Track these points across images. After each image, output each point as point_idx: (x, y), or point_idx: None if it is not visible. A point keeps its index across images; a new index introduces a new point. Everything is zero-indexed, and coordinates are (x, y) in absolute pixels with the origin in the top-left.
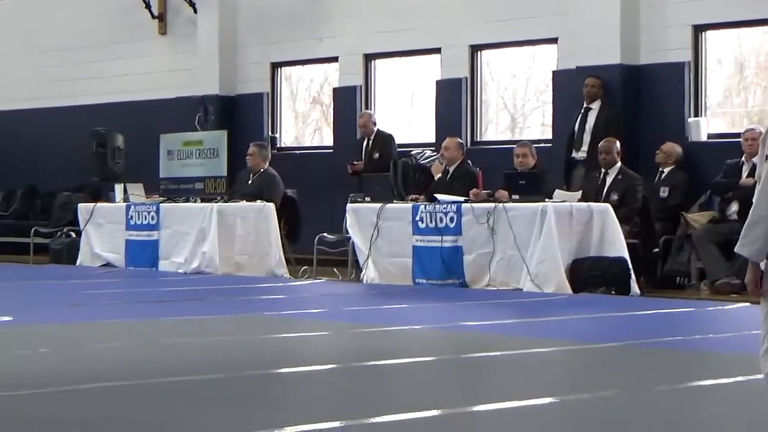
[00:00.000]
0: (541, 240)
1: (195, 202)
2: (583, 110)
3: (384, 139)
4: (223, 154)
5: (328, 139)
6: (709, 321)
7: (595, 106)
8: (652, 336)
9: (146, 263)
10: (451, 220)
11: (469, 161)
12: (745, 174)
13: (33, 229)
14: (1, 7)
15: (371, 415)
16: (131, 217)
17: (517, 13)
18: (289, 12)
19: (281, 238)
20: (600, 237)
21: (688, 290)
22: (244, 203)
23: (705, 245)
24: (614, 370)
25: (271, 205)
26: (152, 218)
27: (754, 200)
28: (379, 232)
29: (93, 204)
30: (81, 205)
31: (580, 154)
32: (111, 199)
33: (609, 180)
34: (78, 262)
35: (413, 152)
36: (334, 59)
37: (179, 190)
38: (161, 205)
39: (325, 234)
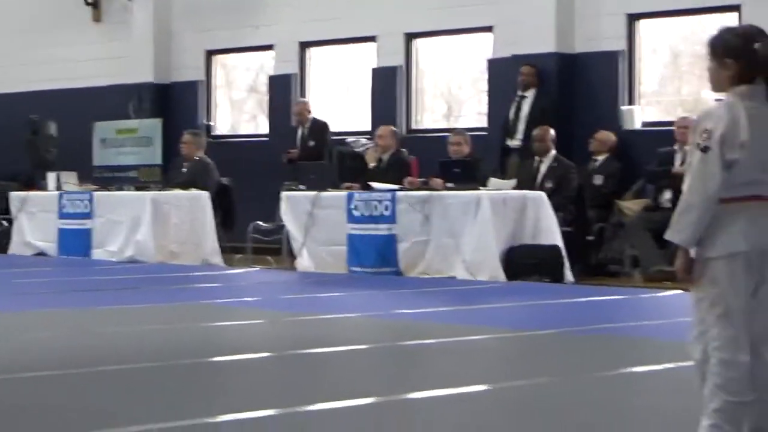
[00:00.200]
0: (475, 228)
1: (129, 190)
2: (517, 98)
3: (319, 127)
4: (157, 142)
5: (263, 128)
6: (642, 308)
7: (530, 94)
8: (585, 323)
9: (79, 252)
10: (386, 208)
11: (404, 149)
12: (678, 162)
13: None
14: None
15: (306, 402)
16: (64, 205)
17: (452, 1)
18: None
19: (216, 226)
20: (534, 225)
21: (621, 278)
22: (178, 191)
23: (638, 233)
24: (548, 358)
25: (206, 194)
26: (85, 207)
27: (683, 188)
28: (314, 220)
29: (25, 192)
30: (13, 194)
31: (515, 143)
32: (44, 187)
33: (543, 168)
34: (9, 251)
35: (348, 140)
36: (270, 47)
37: (113, 178)
38: (94, 193)
39: (260, 222)
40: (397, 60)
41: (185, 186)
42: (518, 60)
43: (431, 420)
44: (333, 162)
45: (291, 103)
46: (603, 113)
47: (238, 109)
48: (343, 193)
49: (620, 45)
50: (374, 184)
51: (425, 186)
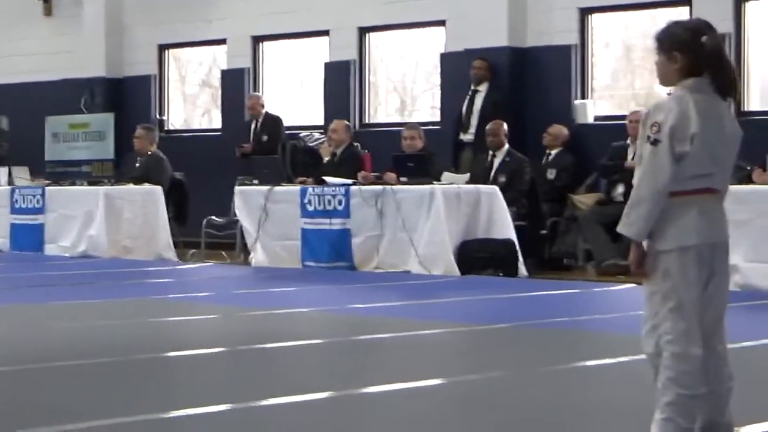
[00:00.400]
0: (429, 222)
1: (81, 185)
2: (470, 92)
3: (272, 122)
4: (109, 137)
5: (216, 122)
6: (595, 302)
7: (483, 88)
8: (539, 317)
9: (32, 247)
10: (340, 202)
11: (357, 144)
12: (630, 156)
13: None
14: None
15: (261, 397)
16: (16, 200)
17: None
18: None
19: (169, 221)
20: (488, 219)
21: (575, 271)
22: (131, 186)
23: (591, 227)
24: (501, 352)
25: (159, 188)
26: (38, 202)
27: (634, 181)
28: (268, 215)
29: None
30: None
31: (468, 137)
32: None
33: (496, 162)
34: None
35: (302, 134)
36: (223, 41)
37: (66, 173)
38: (47, 188)
39: (213, 217)
40: (350, 54)
41: (138, 181)
42: (471, 54)
43: (386, 414)
44: (286, 156)
45: (244, 98)
46: (556, 107)
47: (191, 103)
48: (297, 188)
49: (573, 39)
50: (328, 179)
51: (379, 180)
